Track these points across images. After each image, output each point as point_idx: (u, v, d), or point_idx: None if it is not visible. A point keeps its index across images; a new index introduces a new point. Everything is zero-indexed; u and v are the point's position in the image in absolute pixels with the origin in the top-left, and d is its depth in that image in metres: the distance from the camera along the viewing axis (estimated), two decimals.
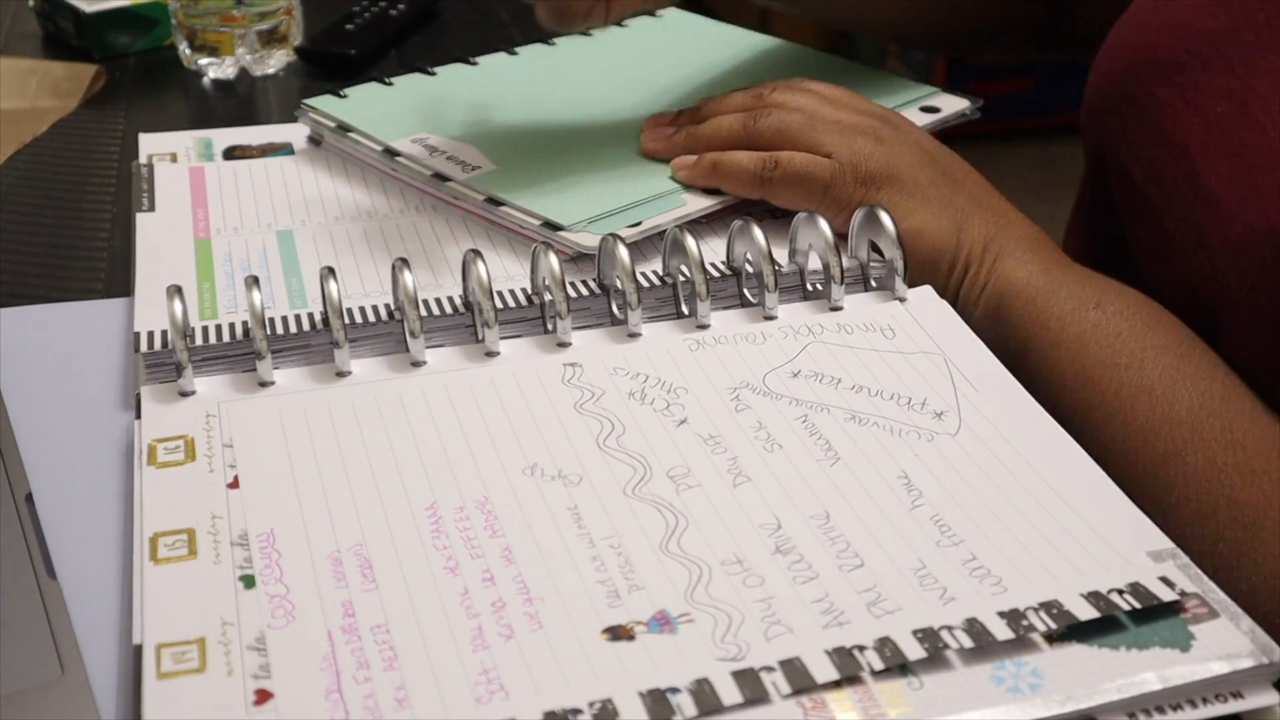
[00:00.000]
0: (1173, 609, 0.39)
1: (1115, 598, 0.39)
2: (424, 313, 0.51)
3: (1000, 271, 0.56)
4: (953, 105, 0.71)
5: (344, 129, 0.67)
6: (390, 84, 0.72)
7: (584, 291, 0.54)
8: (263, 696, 0.35)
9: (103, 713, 0.37)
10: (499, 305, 0.52)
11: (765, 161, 0.59)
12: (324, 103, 0.69)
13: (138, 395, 0.48)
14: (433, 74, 0.73)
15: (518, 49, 0.78)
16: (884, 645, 0.37)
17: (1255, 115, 0.53)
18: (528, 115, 0.69)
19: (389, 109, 0.69)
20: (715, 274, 0.55)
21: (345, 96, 0.69)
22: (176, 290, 0.48)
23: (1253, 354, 0.51)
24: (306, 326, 0.51)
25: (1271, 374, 0.50)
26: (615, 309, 0.53)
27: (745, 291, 0.54)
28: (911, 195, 0.58)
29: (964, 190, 0.59)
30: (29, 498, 0.44)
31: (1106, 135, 0.61)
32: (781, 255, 0.56)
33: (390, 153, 0.64)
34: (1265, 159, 0.52)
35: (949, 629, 0.38)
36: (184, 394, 0.48)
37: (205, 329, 0.50)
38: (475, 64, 0.75)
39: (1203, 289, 0.54)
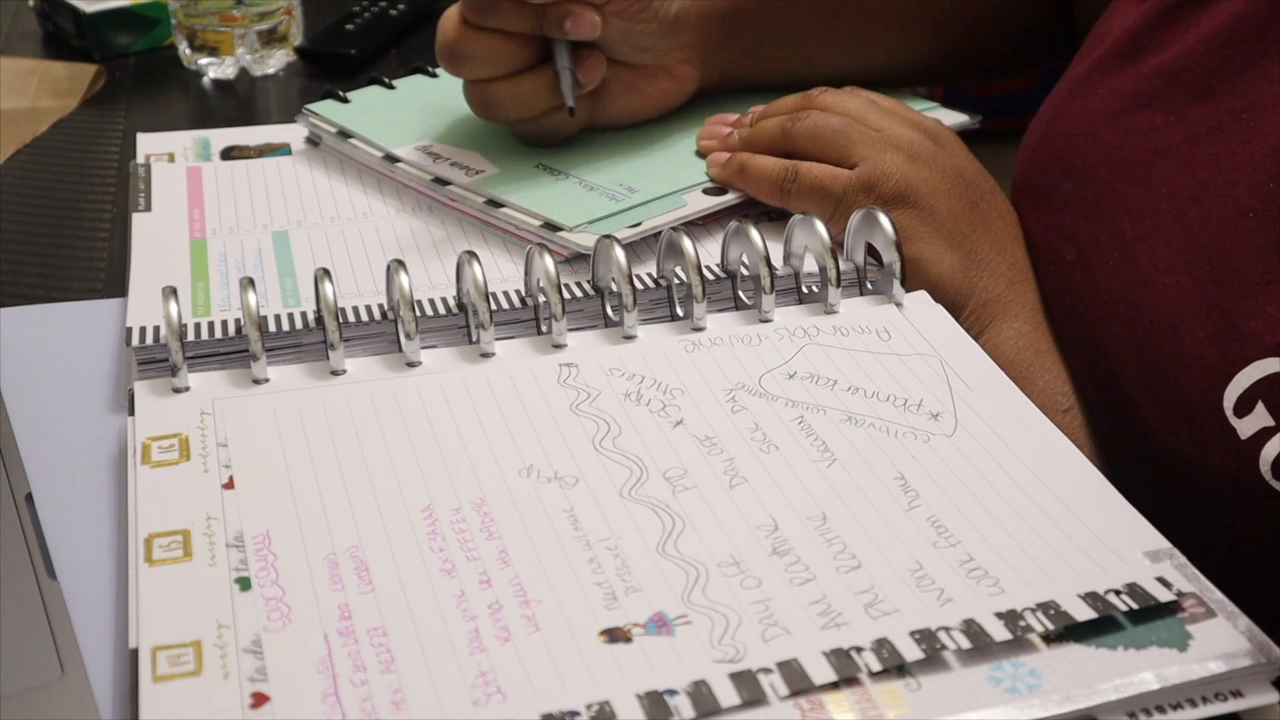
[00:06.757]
0: (1170, 609, 0.39)
1: (1112, 598, 0.39)
2: (418, 314, 0.51)
3: (991, 334, 0.55)
4: (951, 120, 0.69)
5: (345, 135, 0.67)
6: (393, 86, 0.72)
7: (578, 294, 0.54)
8: (259, 700, 0.35)
9: (101, 714, 0.37)
10: (494, 307, 0.52)
11: (787, 171, 0.59)
12: (326, 108, 0.68)
13: (130, 391, 0.48)
14: (434, 75, 0.73)
15: None
16: (881, 646, 0.37)
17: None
18: None
19: (391, 114, 0.68)
20: (710, 276, 0.55)
21: (348, 100, 0.69)
22: (172, 291, 0.48)
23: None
24: (300, 325, 0.51)
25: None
26: (610, 310, 0.53)
27: (740, 294, 0.54)
28: (925, 222, 0.56)
29: (989, 231, 0.57)
30: (29, 498, 0.44)
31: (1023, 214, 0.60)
32: (776, 257, 0.56)
33: (391, 159, 0.64)
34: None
35: (946, 630, 0.38)
36: (177, 390, 0.48)
37: (198, 325, 0.50)
38: None
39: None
